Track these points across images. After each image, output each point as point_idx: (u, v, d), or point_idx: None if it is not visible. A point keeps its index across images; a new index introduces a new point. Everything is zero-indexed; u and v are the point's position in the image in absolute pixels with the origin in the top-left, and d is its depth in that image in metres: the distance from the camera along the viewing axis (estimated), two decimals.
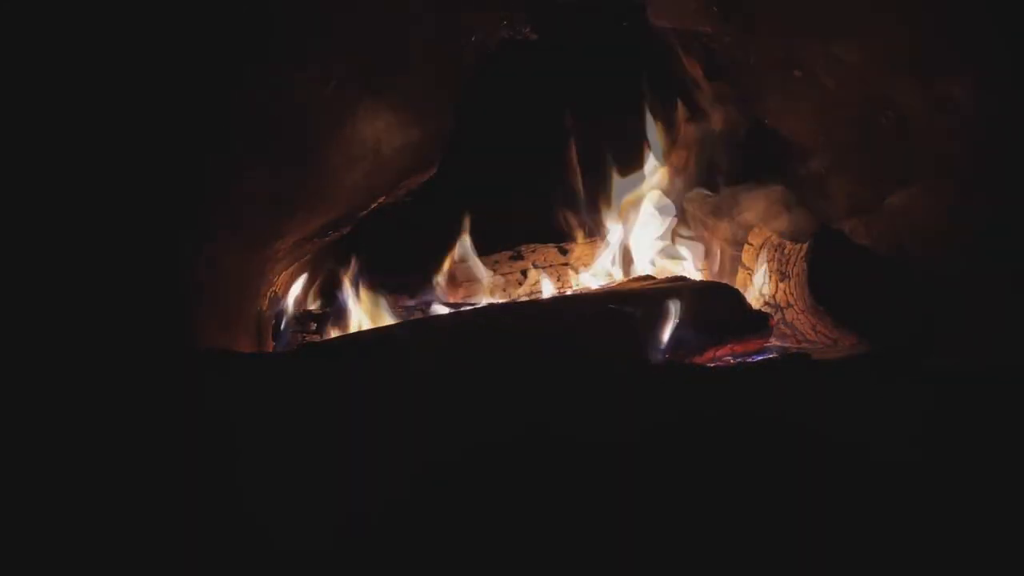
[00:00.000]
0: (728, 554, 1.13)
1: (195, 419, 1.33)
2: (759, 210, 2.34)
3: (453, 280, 2.45)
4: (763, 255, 2.29)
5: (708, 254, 2.48)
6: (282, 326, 2.27)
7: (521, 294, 2.47)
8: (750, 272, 2.34)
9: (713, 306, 2.06)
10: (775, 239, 2.29)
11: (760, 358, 2.05)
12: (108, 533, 1.18)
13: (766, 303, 2.24)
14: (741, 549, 1.13)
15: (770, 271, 2.25)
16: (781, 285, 2.23)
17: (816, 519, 1.17)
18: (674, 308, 1.96)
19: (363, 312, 2.29)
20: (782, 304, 2.22)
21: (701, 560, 1.12)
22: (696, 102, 2.45)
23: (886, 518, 1.16)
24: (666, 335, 1.92)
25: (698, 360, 1.97)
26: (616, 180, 2.54)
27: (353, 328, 2.26)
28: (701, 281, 2.29)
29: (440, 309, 2.35)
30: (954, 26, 1.75)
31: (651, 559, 1.12)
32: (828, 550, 1.13)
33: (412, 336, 1.94)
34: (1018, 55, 1.69)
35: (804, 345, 2.18)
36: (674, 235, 2.51)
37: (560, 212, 2.56)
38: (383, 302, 2.32)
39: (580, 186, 2.54)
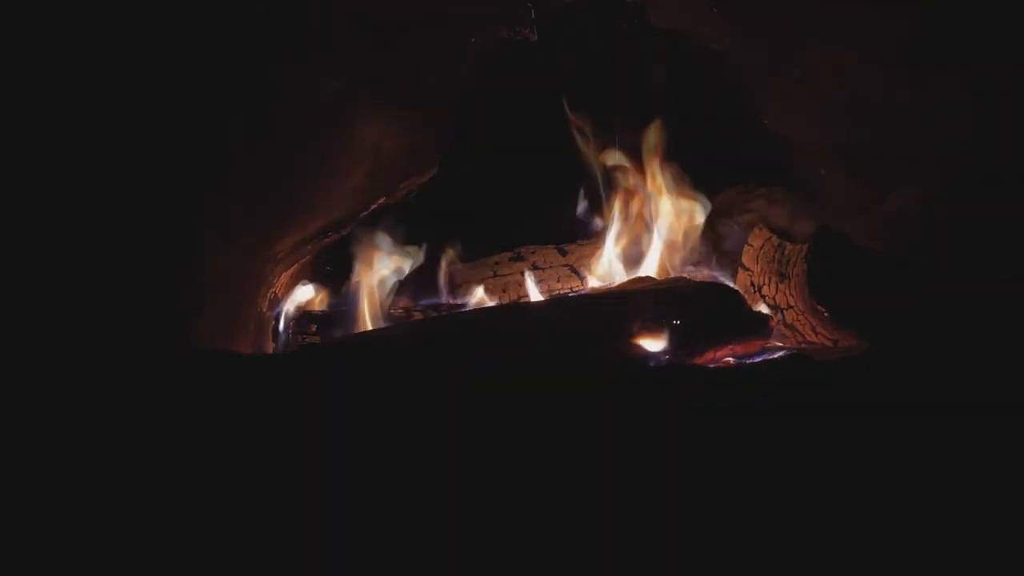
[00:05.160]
0: (726, 555, 1.13)
1: (193, 420, 1.33)
2: (759, 211, 2.34)
3: (452, 281, 2.45)
4: (763, 256, 2.29)
5: (708, 255, 2.48)
6: (281, 327, 2.27)
7: (521, 296, 2.46)
8: (750, 273, 2.34)
9: (713, 307, 2.06)
10: (775, 240, 2.29)
11: (760, 359, 2.04)
12: (107, 532, 1.18)
13: (766, 304, 2.24)
14: (739, 550, 1.13)
15: (770, 272, 2.25)
16: (781, 286, 2.23)
17: (815, 520, 1.17)
18: (673, 309, 1.96)
19: (362, 313, 2.29)
20: (782, 305, 2.22)
21: (700, 562, 1.12)
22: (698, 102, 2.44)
23: (885, 518, 1.16)
24: (666, 336, 1.92)
25: (698, 361, 1.97)
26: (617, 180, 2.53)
27: (352, 330, 2.26)
28: (701, 282, 2.29)
29: (439, 311, 2.35)
30: (953, 26, 1.75)
31: (646, 559, 1.12)
32: (827, 550, 1.13)
33: (411, 338, 1.94)
34: (1017, 55, 1.69)
35: (804, 346, 2.18)
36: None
37: (560, 213, 2.56)
38: (382, 304, 2.32)
39: (580, 186, 2.53)
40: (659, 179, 2.45)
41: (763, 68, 2.11)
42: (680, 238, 2.43)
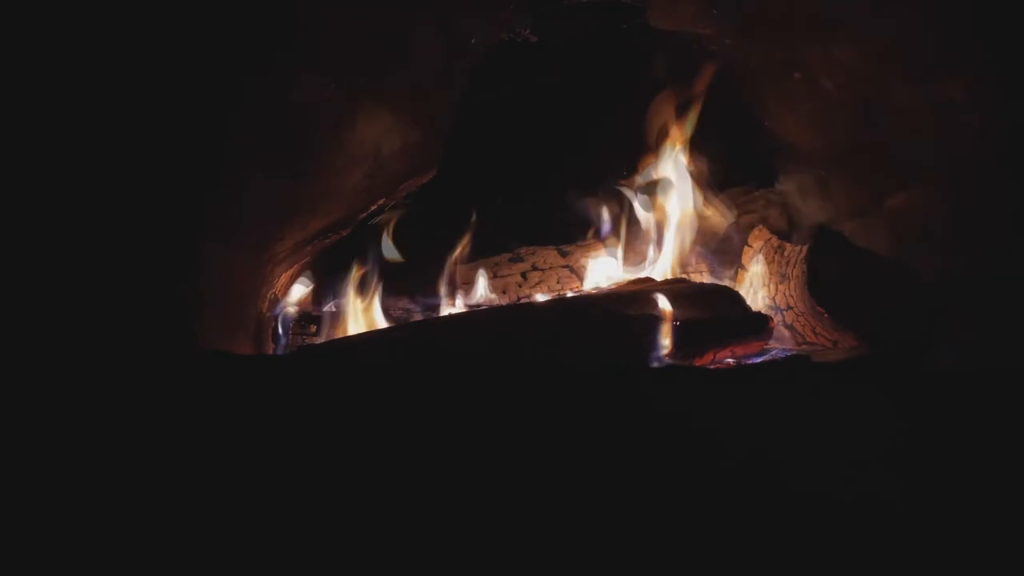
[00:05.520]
0: (724, 555, 1.13)
1: (193, 420, 1.33)
2: (759, 212, 2.34)
3: (452, 282, 2.45)
4: (763, 257, 2.29)
5: (708, 256, 2.48)
6: (281, 328, 2.27)
7: (520, 296, 2.47)
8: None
9: (713, 308, 2.06)
10: (775, 241, 2.29)
11: (760, 360, 2.05)
12: (107, 533, 1.18)
13: (766, 305, 2.24)
14: (737, 551, 1.13)
15: (770, 273, 2.25)
16: (781, 287, 2.23)
17: (815, 520, 1.17)
18: (674, 310, 1.96)
19: (363, 315, 2.29)
20: (782, 306, 2.22)
21: (698, 562, 1.12)
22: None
23: (884, 519, 1.16)
24: (666, 337, 1.92)
25: (698, 362, 1.97)
26: (617, 181, 2.53)
27: (352, 331, 2.26)
28: (701, 283, 2.29)
29: (439, 311, 2.35)
30: (953, 27, 1.75)
31: (644, 560, 1.12)
32: (826, 550, 1.13)
33: (411, 339, 1.94)
34: (1016, 55, 1.69)
35: (804, 347, 2.18)
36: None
37: (560, 214, 2.56)
38: (382, 305, 2.32)
39: (580, 187, 2.53)
40: (664, 179, 2.45)
41: (763, 69, 2.11)
42: (682, 239, 2.43)
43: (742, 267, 2.36)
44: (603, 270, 2.47)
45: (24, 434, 1.30)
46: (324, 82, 2.03)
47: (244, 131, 1.94)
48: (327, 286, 2.41)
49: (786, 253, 2.25)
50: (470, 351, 1.81)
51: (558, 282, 2.50)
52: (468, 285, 2.46)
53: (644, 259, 2.47)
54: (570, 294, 2.44)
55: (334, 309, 2.33)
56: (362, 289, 2.31)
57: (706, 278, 2.45)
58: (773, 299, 2.24)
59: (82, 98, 1.71)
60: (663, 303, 1.97)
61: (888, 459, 1.25)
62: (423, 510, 1.19)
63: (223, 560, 1.16)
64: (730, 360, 2.03)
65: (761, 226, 2.33)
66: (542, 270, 2.51)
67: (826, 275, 2.14)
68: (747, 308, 2.13)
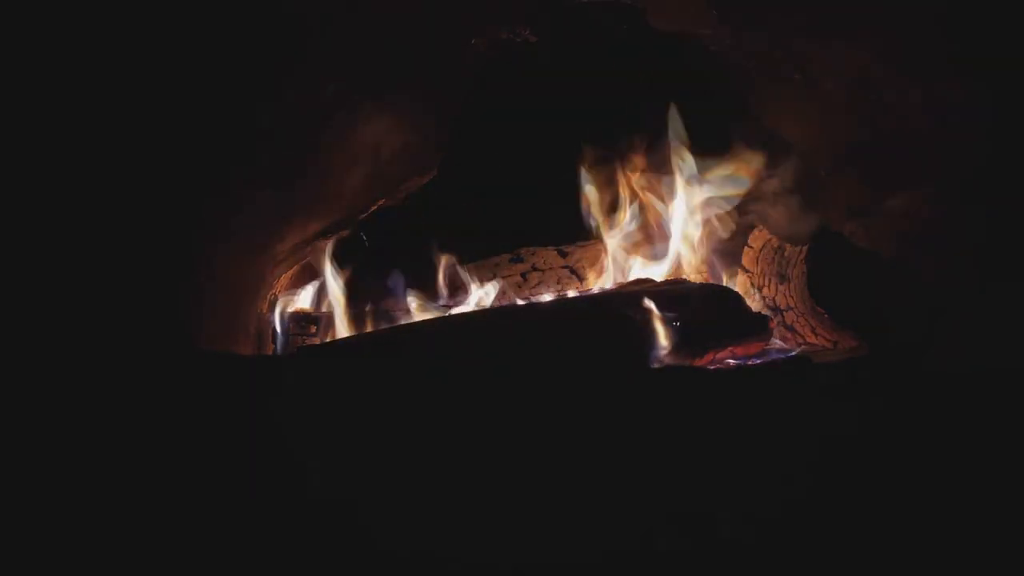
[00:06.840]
0: (721, 555, 1.13)
1: (194, 421, 1.33)
2: (759, 212, 2.34)
3: (452, 283, 2.45)
4: (763, 257, 2.29)
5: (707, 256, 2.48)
6: (281, 328, 2.27)
7: (520, 297, 2.46)
8: (750, 274, 2.34)
9: (713, 308, 2.06)
10: (775, 242, 2.29)
11: (760, 361, 2.04)
12: (109, 532, 1.18)
13: (766, 305, 2.24)
14: (735, 551, 1.13)
15: (770, 273, 2.25)
16: (781, 287, 2.23)
17: (814, 519, 1.17)
18: (673, 311, 1.96)
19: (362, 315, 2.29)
20: (782, 307, 2.22)
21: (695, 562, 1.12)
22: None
23: (884, 518, 1.16)
24: (665, 338, 1.92)
25: (698, 363, 1.97)
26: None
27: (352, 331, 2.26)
28: (701, 284, 2.29)
29: (439, 312, 2.35)
30: (954, 28, 1.75)
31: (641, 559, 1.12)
32: (826, 550, 1.13)
33: (411, 339, 1.94)
34: (1018, 56, 1.69)
35: (804, 347, 2.18)
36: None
37: (560, 214, 2.56)
38: (382, 306, 2.32)
39: (580, 188, 2.53)
40: (663, 178, 2.44)
41: (763, 69, 2.11)
42: (682, 239, 2.43)
43: (742, 268, 2.36)
44: (603, 270, 2.47)
45: (25, 436, 1.30)
46: (324, 84, 2.04)
47: (244, 132, 1.94)
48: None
49: (786, 253, 2.25)
50: (468, 350, 1.81)
51: (558, 282, 2.50)
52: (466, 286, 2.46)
53: (644, 259, 2.47)
54: (570, 295, 2.44)
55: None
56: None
57: (706, 279, 2.45)
58: (773, 299, 2.24)
59: (83, 99, 1.71)
60: (663, 304, 1.97)
61: (889, 459, 1.25)
62: (422, 510, 1.19)
63: (225, 561, 1.16)
64: (730, 361, 2.03)
65: (761, 227, 2.33)
66: (542, 270, 2.51)
67: (826, 276, 2.14)
68: (747, 309, 2.13)
